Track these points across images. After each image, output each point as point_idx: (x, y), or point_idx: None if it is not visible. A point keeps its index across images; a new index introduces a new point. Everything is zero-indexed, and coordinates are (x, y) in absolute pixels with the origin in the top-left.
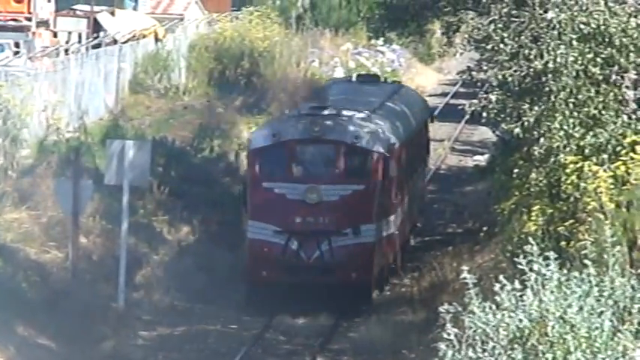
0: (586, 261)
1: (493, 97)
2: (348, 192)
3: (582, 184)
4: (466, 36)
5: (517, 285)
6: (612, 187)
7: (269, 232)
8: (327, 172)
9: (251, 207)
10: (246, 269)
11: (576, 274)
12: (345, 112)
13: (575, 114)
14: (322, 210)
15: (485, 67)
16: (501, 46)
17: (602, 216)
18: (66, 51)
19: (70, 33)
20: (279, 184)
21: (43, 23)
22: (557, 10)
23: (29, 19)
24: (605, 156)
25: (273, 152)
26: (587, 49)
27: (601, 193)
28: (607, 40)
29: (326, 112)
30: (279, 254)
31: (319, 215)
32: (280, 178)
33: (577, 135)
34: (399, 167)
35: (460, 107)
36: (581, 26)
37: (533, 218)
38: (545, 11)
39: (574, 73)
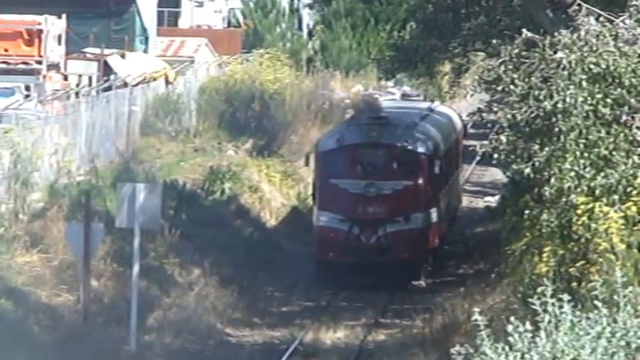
0: (597, 302)
1: (503, 138)
2: (400, 187)
3: (593, 225)
4: (476, 77)
5: (529, 326)
6: (623, 227)
7: (335, 219)
8: (382, 171)
9: (319, 199)
10: (315, 251)
11: (590, 315)
12: (396, 121)
13: (586, 155)
14: (379, 201)
15: (495, 108)
16: (511, 87)
17: (613, 257)
18: (76, 94)
19: (80, 76)
20: (342, 180)
21: (54, 66)
22: (566, 50)
23: (40, 63)
24: (616, 197)
25: (337, 154)
26: (596, 90)
27: (612, 233)
28: (617, 80)
29: (381, 120)
30: (343, 238)
31: (376, 206)
32: (344, 176)
33: (588, 176)
34: (441, 168)
35: (471, 148)
36: (591, 67)
37: (544, 259)
38: (555, 52)
39: (584, 114)
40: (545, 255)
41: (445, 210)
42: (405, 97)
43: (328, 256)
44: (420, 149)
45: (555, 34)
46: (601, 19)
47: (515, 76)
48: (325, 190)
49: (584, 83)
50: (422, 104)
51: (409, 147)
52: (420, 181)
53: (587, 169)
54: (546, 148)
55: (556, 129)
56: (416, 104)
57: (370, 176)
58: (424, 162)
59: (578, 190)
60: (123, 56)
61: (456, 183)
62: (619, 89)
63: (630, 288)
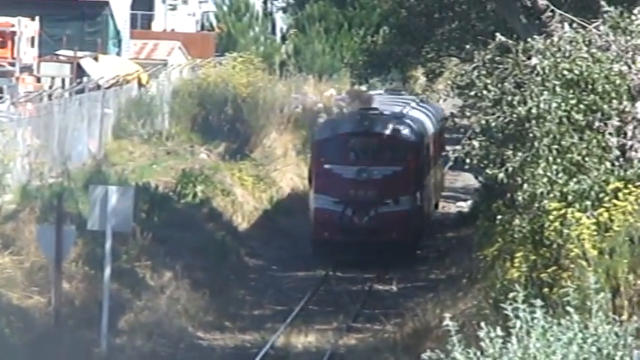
0: (569, 308)
1: (476, 143)
2: (389, 172)
3: (565, 231)
4: (449, 82)
5: (500, 332)
6: (595, 233)
7: (329, 202)
8: (373, 157)
9: (315, 183)
10: (312, 231)
11: (562, 321)
12: (385, 112)
13: (559, 160)
14: (370, 185)
15: (468, 114)
16: (484, 92)
17: (585, 263)
18: (49, 96)
19: (53, 78)
20: (337, 166)
21: (27, 68)
22: (540, 56)
23: (13, 65)
24: (589, 202)
25: (332, 142)
26: (570, 96)
27: (584, 239)
28: (590, 86)
29: (371, 112)
30: (337, 219)
31: (368, 189)
32: (338, 162)
33: (560, 181)
34: (427, 155)
35: (443, 153)
36: (565, 73)
37: (516, 265)
38: (529, 58)
39: (557, 120)
40: (517, 260)
41: (432, 194)
42: (390, 91)
43: (323, 235)
44: (408, 137)
45: (529, 39)
46: (574, 25)
47: (489, 81)
48: (321, 174)
49: (558, 89)
50: (407, 97)
51: (398, 135)
52: (408, 166)
53: (560, 175)
54: (519, 154)
55: (530, 134)
56: (402, 97)
57: (362, 162)
58: (412, 149)
59: (551, 195)
60: (96, 59)
61: (440, 169)
62: (592, 95)
63: (602, 294)
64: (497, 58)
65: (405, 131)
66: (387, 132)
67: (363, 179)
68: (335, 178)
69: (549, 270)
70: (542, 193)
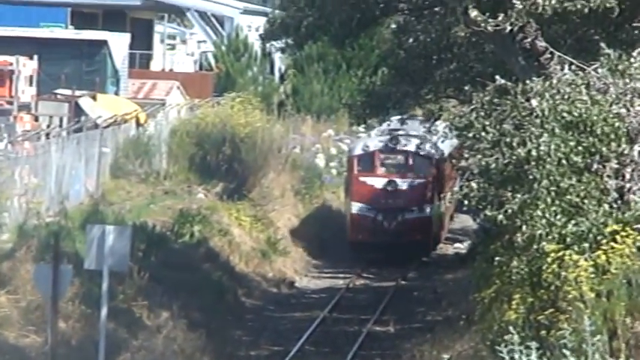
0: (566, 350)
1: (474, 185)
2: (415, 183)
3: (563, 273)
4: (448, 123)
5: None
6: (593, 276)
7: (363, 208)
8: (400, 170)
9: (352, 193)
10: (348, 233)
11: None
12: (411, 132)
13: (557, 202)
14: (398, 195)
15: (466, 155)
16: (483, 134)
17: (582, 305)
18: (47, 135)
19: (51, 117)
20: (369, 178)
21: (25, 107)
22: (539, 98)
23: (11, 103)
24: (587, 245)
25: (365, 157)
26: (569, 138)
27: (581, 282)
28: (589, 128)
29: (399, 132)
30: (369, 223)
31: (396, 198)
32: (370, 174)
33: (559, 223)
34: (447, 169)
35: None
36: (564, 114)
37: (513, 307)
38: (528, 100)
39: (556, 162)
40: (514, 302)
41: (451, 203)
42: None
43: (358, 237)
44: (430, 154)
45: (527, 81)
46: (573, 67)
47: (487, 122)
48: (356, 185)
49: (557, 131)
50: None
51: (421, 152)
52: (430, 179)
53: (559, 217)
54: (518, 195)
55: (529, 176)
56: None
57: (391, 175)
58: (433, 164)
59: (549, 237)
60: (94, 98)
61: (456, 183)
62: (591, 137)
63: (599, 337)
64: (496, 100)
65: (428, 149)
66: (412, 149)
67: (391, 189)
68: (368, 188)
69: (547, 312)
70: (540, 235)
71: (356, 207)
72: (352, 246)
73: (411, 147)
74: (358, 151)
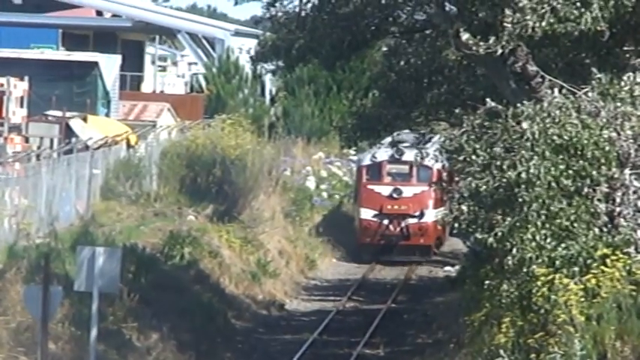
0: None
1: (465, 208)
2: (418, 191)
3: (553, 297)
4: (438, 146)
5: None
6: (583, 300)
7: (371, 214)
8: (405, 179)
9: (360, 199)
10: (357, 236)
11: None
12: (413, 144)
13: (548, 225)
14: (402, 202)
15: (456, 178)
16: (473, 157)
17: (572, 329)
18: (37, 156)
19: (42, 138)
20: (377, 185)
21: (15, 128)
22: (530, 121)
23: (1, 124)
24: (577, 268)
25: (373, 167)
26: (559, 161)
27: (571, 305)
28: (579, 152)
29: (403, 143)
30: (377, 227)
31: (401, 204)
32: (377, 182)
33: (549, 247)
34: (447, 178)
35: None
36: (554, 138)
37: (503, 330)
38: (518, 123)
39: (546, 185)
40: (504, 326)
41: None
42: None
43: (366, 240)
44: (432, 164)
45: (518, 104)
46: (564, 91)
47: (478, 145)
48: (365, 192)
49: (547, 154)
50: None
51: (424, 162)
52: (432, 187)
53: (549, 240)
54: (508, 218)
55: (519, 199)
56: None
57: (396, 183)
58: (435, 174)
59: (539, 260)
60: (85, 119)
61: None
62: (581, 161)
63: None
64: (487, 123)
65: (430, 159)
66: (415, 159)
67: (397, 196)
68: (375, 195)
69: (536, 336)
70: (530, 258)
71: (364, 213)
72: (361, 248)
73: (415, 157)
74: (367, 161)
